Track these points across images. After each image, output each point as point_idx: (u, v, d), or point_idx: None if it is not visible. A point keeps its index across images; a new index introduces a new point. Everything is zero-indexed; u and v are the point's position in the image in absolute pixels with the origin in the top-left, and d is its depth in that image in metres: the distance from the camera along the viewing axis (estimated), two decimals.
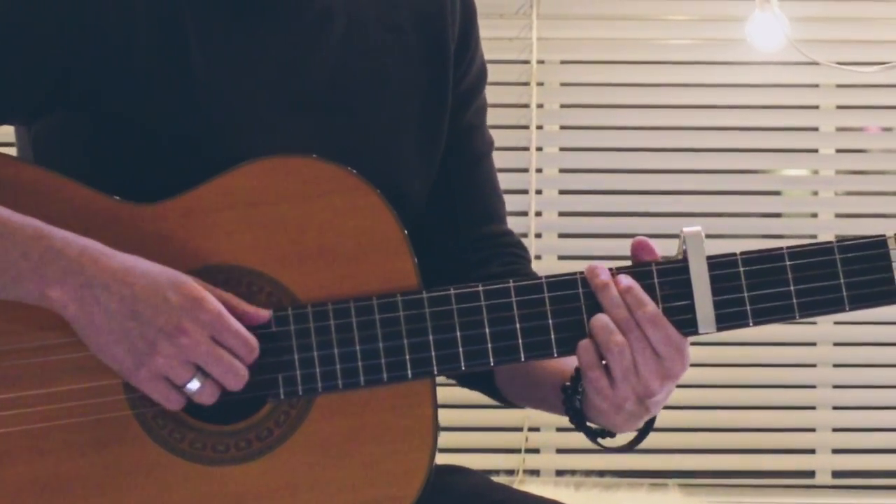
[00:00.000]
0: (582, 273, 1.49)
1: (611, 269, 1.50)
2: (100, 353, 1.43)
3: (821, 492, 3.48)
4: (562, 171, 3.51)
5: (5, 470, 1.45)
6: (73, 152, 1.54)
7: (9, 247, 1.42)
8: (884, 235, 1.51)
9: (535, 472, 3.47)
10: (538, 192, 3.50)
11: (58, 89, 1.51)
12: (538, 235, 3.49)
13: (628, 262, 1.51)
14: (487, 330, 1.48)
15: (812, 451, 3.50)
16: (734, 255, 1.50)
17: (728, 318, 1.49)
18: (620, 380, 1.47)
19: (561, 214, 3.52)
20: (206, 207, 1.48)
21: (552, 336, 1.48)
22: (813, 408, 3.50)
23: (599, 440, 1.57)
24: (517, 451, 3.45)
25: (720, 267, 1.49)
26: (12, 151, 1.57)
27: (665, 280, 1.49)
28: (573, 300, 1.48)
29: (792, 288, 1.49)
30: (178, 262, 1.46)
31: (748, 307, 1.49)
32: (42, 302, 1.42)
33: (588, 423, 1.55)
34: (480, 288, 1.49)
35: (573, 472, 3.40)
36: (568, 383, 1.55)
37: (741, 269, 1.49)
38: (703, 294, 1.48)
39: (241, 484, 1.47)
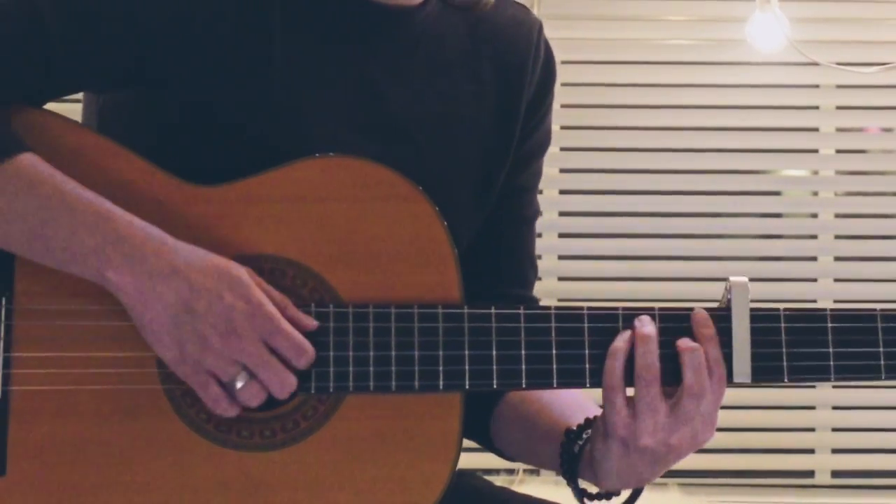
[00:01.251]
0: (624, 308, 1.50)
1: (657, 311, 1.50)
2: (151, 340, 1.44)
3: (820, 491, 3.49)
4: (562, 171, 3.52)
5: (32, 428, 1.47)
6: (138, 127, 1.55)
7: (75, 223, 1.44)
8: None
9: (535, 472, 3.48)
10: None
11: (136, 69, 1.52)
12: (538, 235, 3.48)
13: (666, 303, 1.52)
14: (524, 352, 1.49)
15: (811, 451, 3.51)
16: (777, 310, 1.50)
17: (764, 371, 1.50)
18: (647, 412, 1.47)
19: (561, 214, 3.53)
20: (262, 196, 1.50)
21: (587, 366, 1.49)
22: (812, 407, 3.50)
23: (586, 500, 1.57)
24: None
25: (762, 320, 1.50)
26: (76, 116, 1.60)
27: None
28: (611, 333, 1.49)
29: (831, 350, 1.50)
30: (227, 247, 1.47)
31: (784, 363, 1.50)
32: (100, 282, 1.44)
33: (578, 479, 1.56)
34: (522, 310, 1.49)
35: None
36: (574, 428, 1.55)
37: (783, 324, 1.50)
38: (742, 346, 1.49)
39: (261, 471, 1.48)
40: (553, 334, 1.49)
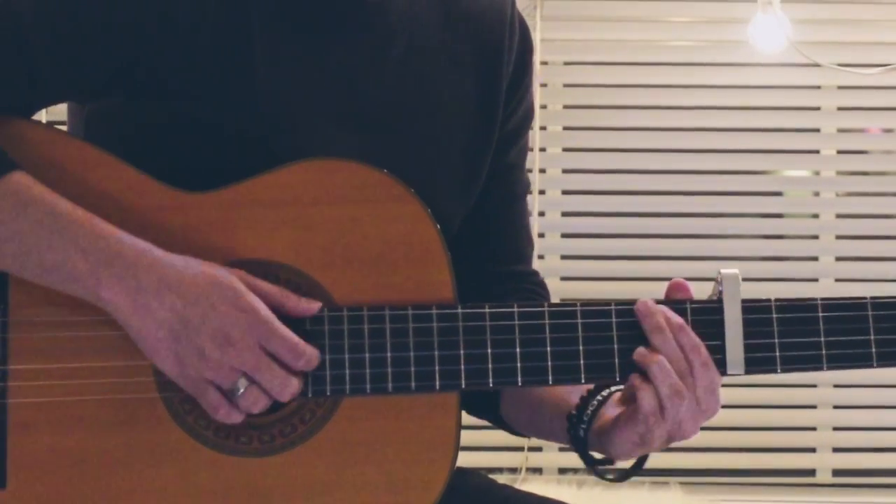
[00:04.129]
0: (617, 303, 1.51)
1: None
2: (150, 356, 1.45)
3: (821, 490, 3.50)
4: (565, 171, 3.53)
5: (30, 439, 1.47)
6: (126, 135, 1.55)
7: (68, 243, 1.44)
8: None
9: (537, 471, 3.49)
10: (541, 192, 3.51)
11: (121, 75, 1.53)
12: (541, 235, 3.51)
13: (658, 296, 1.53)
14: (518, 350, 1.49)
15: (813, 450, 3.52)
16: (768, 301, 1.52)
17: (757, 362, 1.50)
18: (667, 419, 1.48)
19: (564, 214, 3.54)
20: (252, 201, 1.50)
21: (581, 362, 1.49)
22: (814, 406, 3.51)
23: (598, 468, 1.57)
24: (520, 449, 3.47)
25: (754, 311, 1.51)
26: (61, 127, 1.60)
27: (698, 319, 1.51)
28: (606, 329, 1.49)
29: (822, 339, 1.51)
30: (219, 253, 1.47)
31: (777, 353, 1.51)
32: (95, 301, 1.45)
33: (590, 452, 1.56)
34: (515, 308, 1.50)
35: (575, 471, 3.41)
36: (574, 412, 1.56)
37: (774, 315, 1.51)
38: (734, 337, 1.50)
39: (260, 477, 1.48)
40: (547, 331, 1.49)
